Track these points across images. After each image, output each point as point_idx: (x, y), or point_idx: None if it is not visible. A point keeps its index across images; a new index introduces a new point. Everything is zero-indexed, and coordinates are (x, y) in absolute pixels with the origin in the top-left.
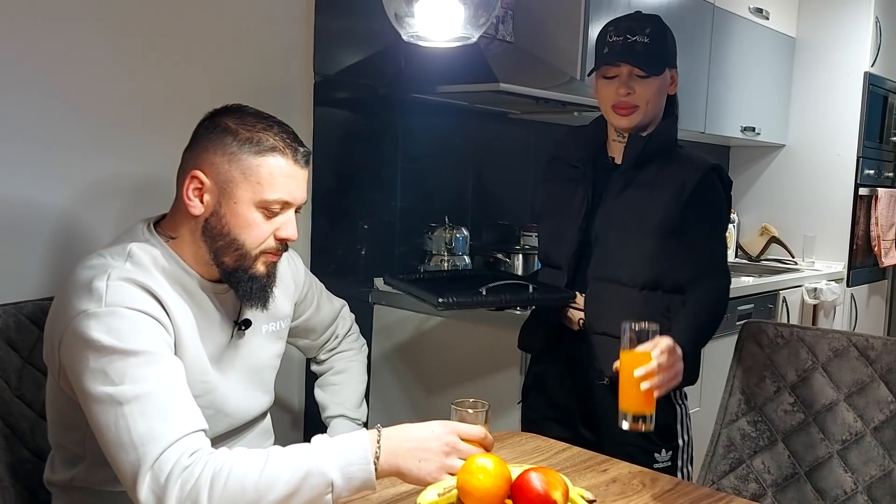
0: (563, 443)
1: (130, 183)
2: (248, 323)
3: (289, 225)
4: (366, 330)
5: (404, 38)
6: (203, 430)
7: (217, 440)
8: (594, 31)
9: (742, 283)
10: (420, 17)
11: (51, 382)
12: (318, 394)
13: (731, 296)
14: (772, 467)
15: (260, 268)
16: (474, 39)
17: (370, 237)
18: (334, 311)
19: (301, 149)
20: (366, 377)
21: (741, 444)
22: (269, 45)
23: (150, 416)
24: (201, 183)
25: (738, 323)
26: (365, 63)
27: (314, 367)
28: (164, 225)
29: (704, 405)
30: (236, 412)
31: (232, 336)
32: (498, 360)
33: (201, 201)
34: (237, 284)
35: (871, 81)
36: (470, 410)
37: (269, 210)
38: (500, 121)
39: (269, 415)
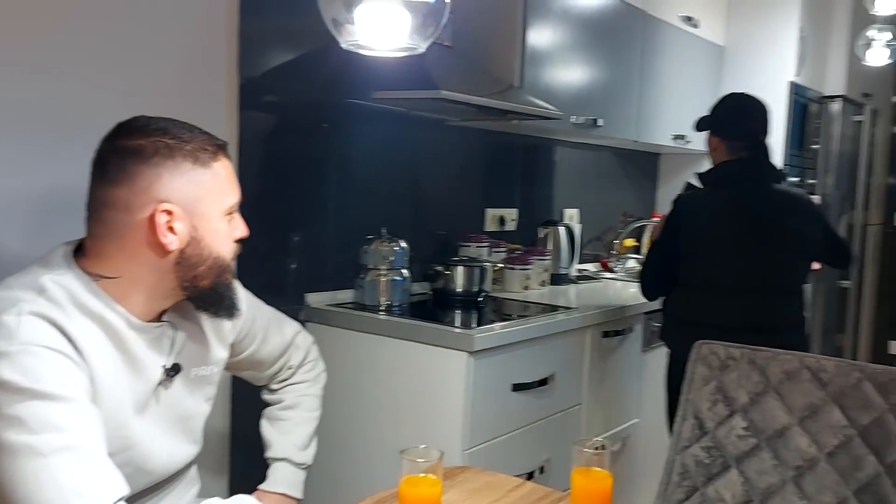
0: (516, 479)
1: (39, 198)
2: (177, 368)
3: (240, 222)
4: None
5: (343, 45)
6: (124, 498)
7: (135, 498)
8: (532, 38)
9: None
10: (361, 25)
11: None
12: (265, 428)
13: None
14: (726, 496)
15: (231, 276)
16: (422, 50)
17: (301, 250)
18: (284, 341)
19: (225, 143)
20: (318, 412)
21: (695, 472)
22: (189, 44)
23: (77, 474)
24: (169, 213)
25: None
26: (294, 65)
27: (265, 396)
28: (90, 264)
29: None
30: (158, 468)
31: (159, 383)
32: (443, 383)
33: (174, 233)
34: (219, 302)
35: (795, 91)
36: (420, 460)
37: (230, 215)
38: (437, 128)
39: (195, 462)
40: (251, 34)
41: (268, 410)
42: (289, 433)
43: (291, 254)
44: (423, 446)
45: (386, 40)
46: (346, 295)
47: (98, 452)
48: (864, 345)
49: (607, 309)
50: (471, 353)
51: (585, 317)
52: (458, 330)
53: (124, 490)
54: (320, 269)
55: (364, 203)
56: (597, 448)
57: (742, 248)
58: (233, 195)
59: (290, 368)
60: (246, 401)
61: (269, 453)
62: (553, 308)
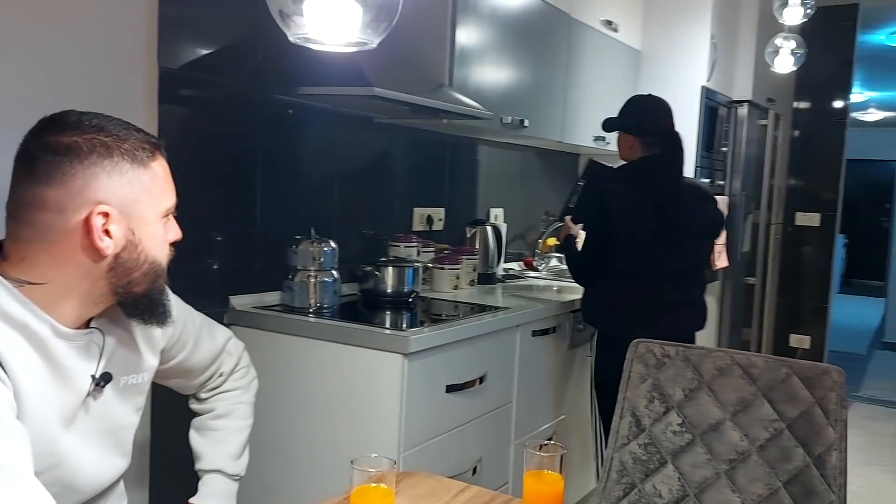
0: (460, 482)
1: None
2: (108, 377)
3: (175, 226)
4: None
5: (291, 39)
6: None
7: None
8: (462, 37)
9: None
10: (310, 17)
11: None
12: (194, 439)
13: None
14: (663, 490)
15: (165, 281)
16: (374, 45)
17: (225, 251)
18: (216, 347)
19: (161, 142)
20: (251, 421)
21: (633, 469)
22: (105, 31)
23: (4, 496)
24: (106, 216)
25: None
26: (218, 56)
27: (193, 406)
28: (12, 269)
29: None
30: (87, 485)
31: (88, 393)
32: (377, 386)
33: (110, 236)
34: (152, 308)
35: (706, 95)
36: (371, 469)
37: (166, 217)
38: (364, 125)
39: (122, 477)
40: (172, 22)
41: (197, 420)
42: (221, 443)
43: (215, 254)
44: (373, 455)
45: (336, 34)
46: (274, 297)
47: (26, 472)
48: (767, 337)
49: (536, 308)
50: (405, 355)
51: (516, 316)
52: (392, 332)
53: None
54: (246, 271)
55: (291, 202)
56: (545, 446)
57: (664, 238)
58: (170, 197)
59: (220, 376)
60: (167, 410)
61: (201, 465)
62: (483, 308)
